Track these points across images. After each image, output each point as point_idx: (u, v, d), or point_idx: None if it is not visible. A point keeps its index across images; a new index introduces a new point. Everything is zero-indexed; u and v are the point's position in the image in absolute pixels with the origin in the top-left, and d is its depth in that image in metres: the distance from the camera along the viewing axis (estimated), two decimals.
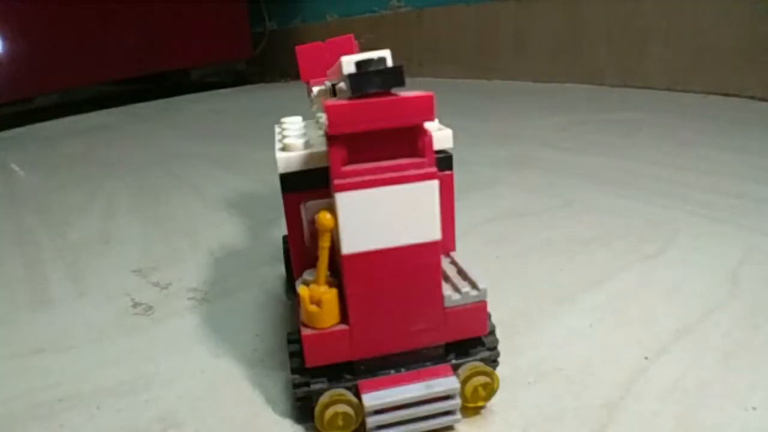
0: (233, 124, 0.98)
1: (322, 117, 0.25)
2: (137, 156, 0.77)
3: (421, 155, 0.19)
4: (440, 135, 0.24)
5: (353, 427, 0.21)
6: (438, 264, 0.20)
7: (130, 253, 0.42)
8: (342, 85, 0.20)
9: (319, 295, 0.20)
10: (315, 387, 0.21)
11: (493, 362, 0.23)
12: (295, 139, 0.23)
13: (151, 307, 0.33)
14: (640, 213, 0.42)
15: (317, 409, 0.21)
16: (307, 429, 0.22)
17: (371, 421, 0.21)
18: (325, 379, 0.21)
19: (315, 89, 0.25)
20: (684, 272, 0.33)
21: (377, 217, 0.19)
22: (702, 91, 0.81)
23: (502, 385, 0.24)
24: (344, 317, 0.21)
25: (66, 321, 0.33)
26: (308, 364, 0.21)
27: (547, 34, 1.02)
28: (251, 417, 0.23)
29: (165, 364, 0.28)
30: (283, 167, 0.22)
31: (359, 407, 0.21)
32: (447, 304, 0.21)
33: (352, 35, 0.27)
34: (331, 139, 0.19)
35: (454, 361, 0.22)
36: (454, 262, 0.24)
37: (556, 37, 1.00)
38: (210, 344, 0.29)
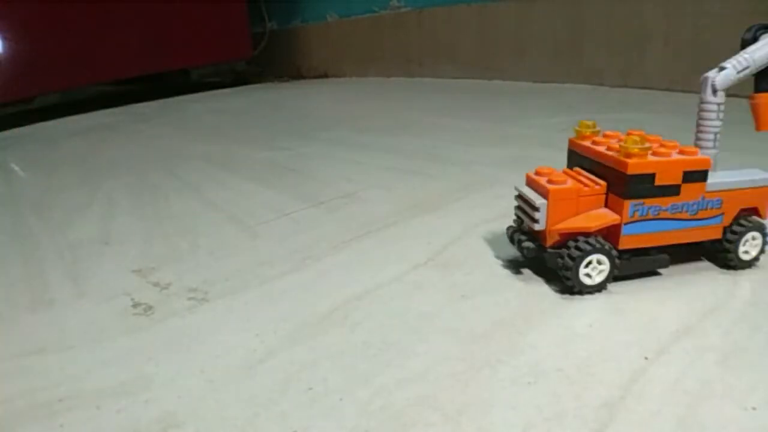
0: (233, 124, 0.98)
1: None
2: (137, 156, 0.77)
3: None
4: None
5: None
6: None
7: (130, 253, 0.42)
8: None
9: None
10: None
11: None
12: None
13: (151, 307, 0.33)
14: None
15: None
16: (307, 431, 0.22)
17: None
18: None
19: None
20: (684, 272, 0.33)
21: None
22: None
23: (501, 384, 0.24)
24: None
25: (66, 321, 0.33)
26: None
27: (547, 34, 1.02)
28: (251, 417, 0.23)
29: (165, 364, 0.28)
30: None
31: None
32: None
33: None
34: None
35: None
36: None
37: (556, 37, 1.00)
38: (210, 344, 0.29)
